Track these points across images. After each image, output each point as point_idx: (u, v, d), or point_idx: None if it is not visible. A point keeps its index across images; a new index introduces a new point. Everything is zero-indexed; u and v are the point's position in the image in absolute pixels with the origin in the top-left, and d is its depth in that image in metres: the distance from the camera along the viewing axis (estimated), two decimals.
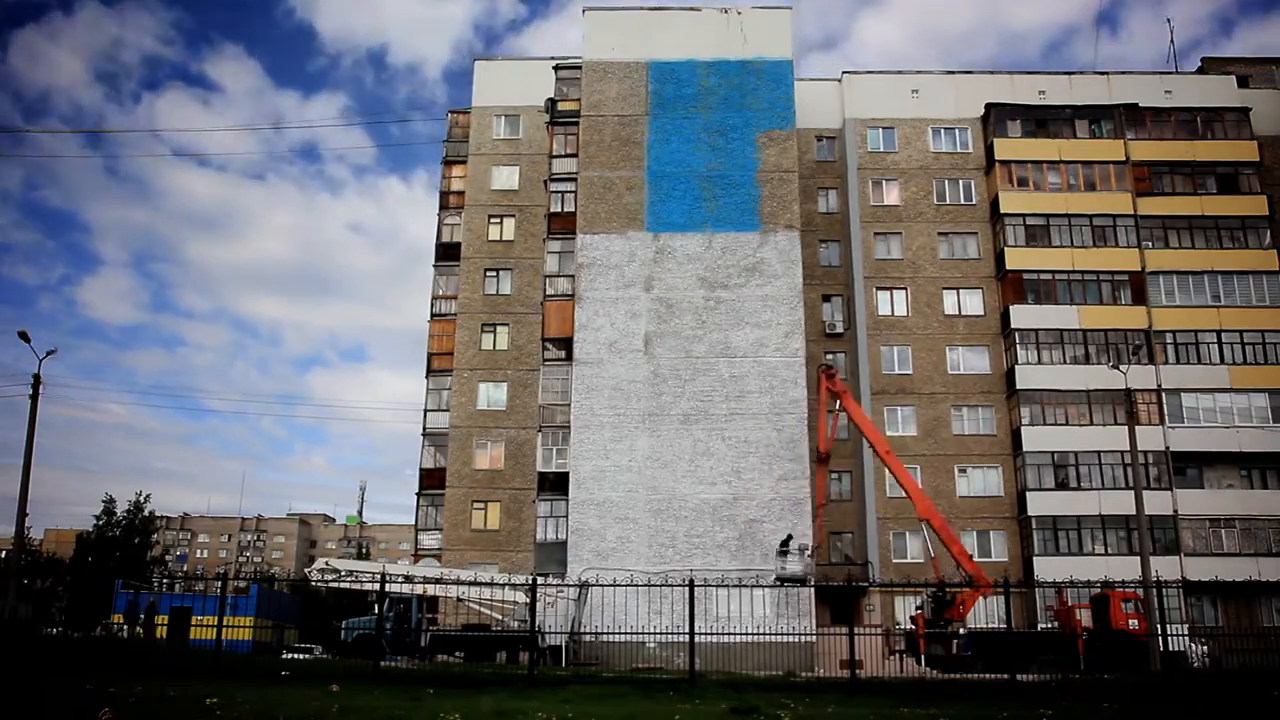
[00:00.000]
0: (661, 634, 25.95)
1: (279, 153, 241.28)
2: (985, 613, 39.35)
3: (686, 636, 19.63)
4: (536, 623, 22.36)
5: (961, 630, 34.38)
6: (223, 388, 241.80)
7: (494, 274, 47.01)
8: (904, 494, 43.51)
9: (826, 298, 46.57)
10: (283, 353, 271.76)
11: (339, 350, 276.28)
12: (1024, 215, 46.16)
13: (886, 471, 43.78)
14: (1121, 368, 39.13)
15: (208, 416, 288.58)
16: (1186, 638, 35.30)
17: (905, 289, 45.82)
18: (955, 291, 46.32)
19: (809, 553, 36.84)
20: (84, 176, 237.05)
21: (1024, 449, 43.24)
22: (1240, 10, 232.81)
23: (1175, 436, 43.42)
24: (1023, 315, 44.86)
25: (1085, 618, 34.33)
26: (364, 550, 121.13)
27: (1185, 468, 43.72)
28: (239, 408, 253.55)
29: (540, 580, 29.31)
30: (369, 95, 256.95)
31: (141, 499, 65.81)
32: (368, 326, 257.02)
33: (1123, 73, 49.53)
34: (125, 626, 32.92)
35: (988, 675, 25.33)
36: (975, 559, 37.43)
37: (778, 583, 35.71)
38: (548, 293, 43.91)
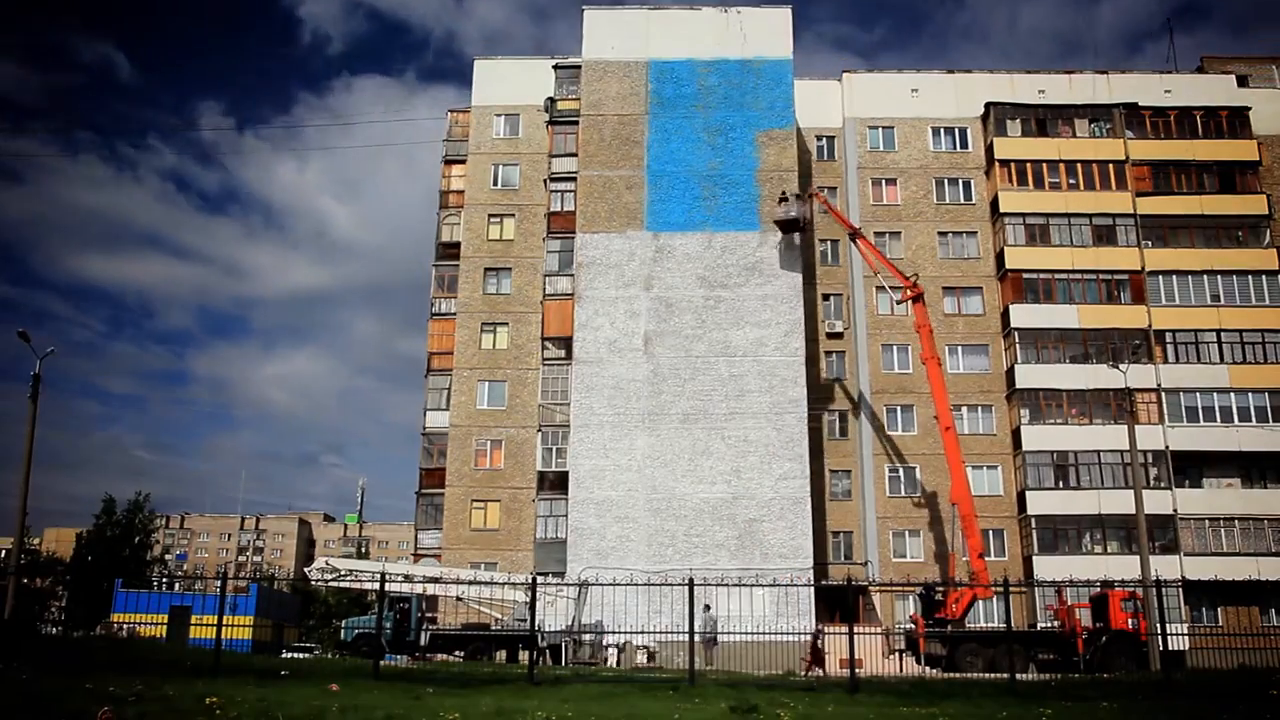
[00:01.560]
0: (661, 633, 25.97)
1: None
2: (985, 613, 39.40)
3: (686, 636, 19.60)
4: (536, 622, 22.33)
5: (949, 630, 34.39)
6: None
7: (493, 273, 46.99)
8: (904, 494, 43.72)
9: (826, 297, 46.55)
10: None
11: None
12: (1024, 215, 46.14)
13: (886, 471, 43.92)
14: (1121, 367, 39.12)
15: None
16: (1186, 636, 35.33)
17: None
18: (955, 291, 46.31)
19: (803, 198, 41.13)
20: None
21: (1024, 448, 43.23)
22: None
23: (1175, 436, 43.40)
24: (1022, 315, 44.85)
25: (1085, 617, 34.30)
26: (364, 550, 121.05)
27: (1185, 467, 43.70)
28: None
29: (539, 579, 29.29)
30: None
31: (141, 498, 65.85)
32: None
33: (1122, 72, 49.53)
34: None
35: (987, 674, 25.37)
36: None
37: (775, 225, 40.70)
38: (547, 292, 43.92)
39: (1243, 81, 49.62)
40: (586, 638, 33.33)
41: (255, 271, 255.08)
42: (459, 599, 37.52)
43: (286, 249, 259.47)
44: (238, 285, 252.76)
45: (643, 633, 28.38)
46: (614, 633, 28.34)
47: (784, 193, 42.02)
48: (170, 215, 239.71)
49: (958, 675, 25.97)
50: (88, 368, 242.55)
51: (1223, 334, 44.80)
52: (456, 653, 35.11)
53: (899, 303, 41.67)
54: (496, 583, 35.34)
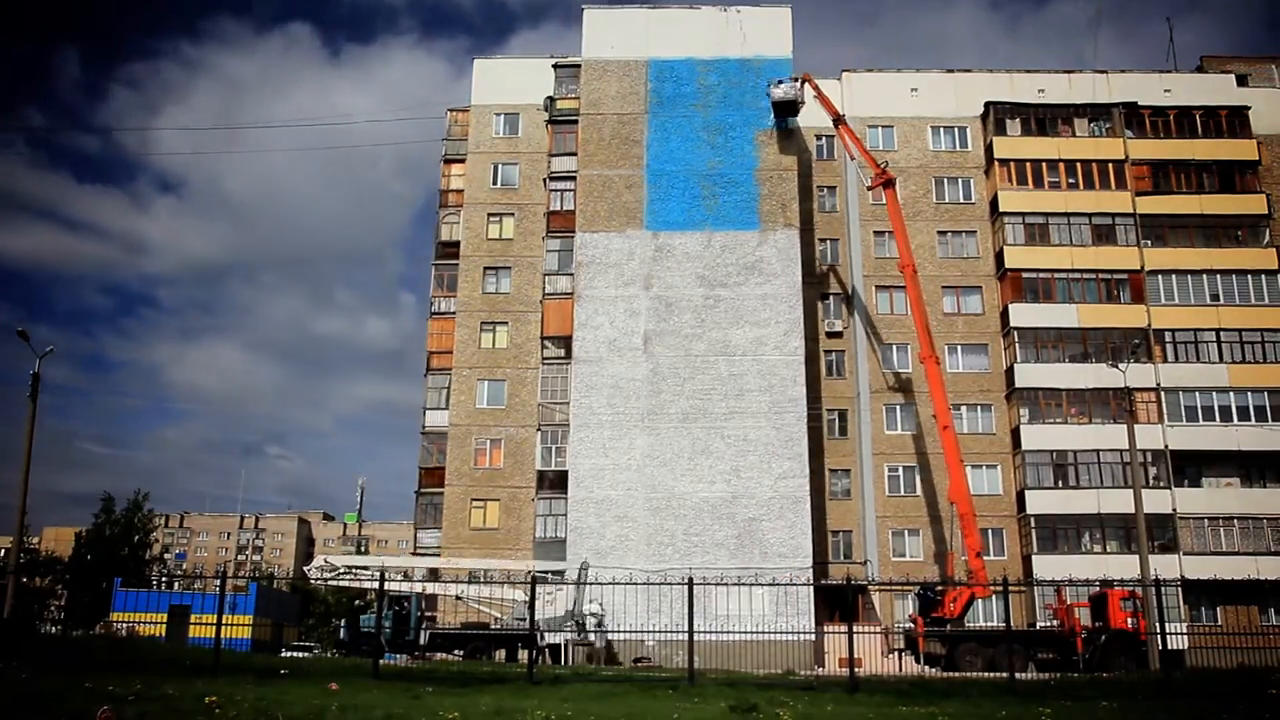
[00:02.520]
0: (661, 632, 25.97)
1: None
2: (985, 612, 39.42)
3: (685, 635, 19.60)
4: (535, 621, 22.34)
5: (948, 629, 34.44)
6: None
7: (493, 272, 46.96)
8: (903, 493, 43.72)
9: (825, 296, 46.53)
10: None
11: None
12: (1023, 214, 46.13)
13: (885, 470, 43.91)
14: (1121, 366, 39.12)
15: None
16: (1185, 636, 35.37)
17: (904, 288, 45.73)
18: (954, 290, 46.31)
19: (799, 84, 42.93)
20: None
21: (1023, 448, 43.23)
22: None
23: (1174, 435, 43.40)
24: (1022, 314, 44.84)
25: (1084, 616, 34.33)
26: (363, 548, 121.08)
27: (1184, 466, 43.70)
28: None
29: (539, 573, 29.29)
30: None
31: (140, 497, 65.84)
32: None
33: (1122, 71, 49.50)
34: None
35: (987, 674, 25.38)
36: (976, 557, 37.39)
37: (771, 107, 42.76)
38: (547, 291, 43.92)
39: (1242, 81, 49.61)
40: (591, 621, 33.29)
41: (154, 245, 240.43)
42: (458, 598, 37.55)
43: (186, 217, 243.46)
44: (138, 260, 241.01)
45: (642, 631, 28.42)
46: (613, 631, 28.32)
47: (777, 80, 43.48)
48: (52, 185, 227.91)
49: (957, 675, 25.98)
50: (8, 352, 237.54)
51: (1222, 333, 44.80)
52: (456, 652, 35.17)
53: (870, 188, 43.08)
54: (496, 568, 35.42)
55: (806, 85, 44.07)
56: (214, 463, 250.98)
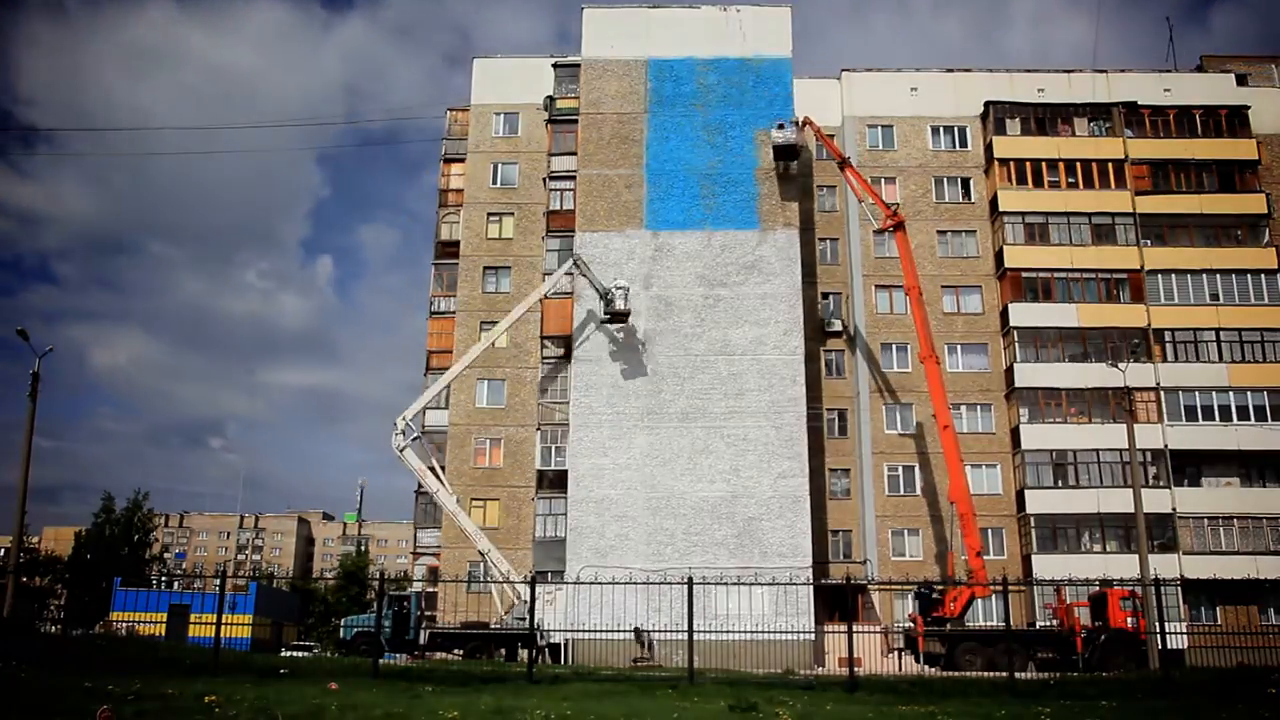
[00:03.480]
0: (660, 631, 26.00)
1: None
2: (984, 611, 39.42)
3: (685, 634, 19.60)
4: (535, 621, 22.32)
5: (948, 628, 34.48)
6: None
7: (492, 272, 46.96)
8: (903, 493, 43.73)
9: (825, 296, 46.53)
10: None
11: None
12: (1023, 213, 46.12)
13: (885, 470, 43.92)
14: (1120, 366, 39.11)
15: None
16: (1185, 635, 35.38)
17: (904, 288, 45.75)
18: (954, 290, 46.30)
19: (797, 125, 42.60)
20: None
21: (1023, 447, 43.22)
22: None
23: (1174, 435, 43.39)
24: (1022, 313, 44.84)
25: (1084, 616, 34.34)
26: (364, 548, 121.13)
27: (1184, 466, 43.69)
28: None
29: (539, 579, 29.27)
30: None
31: (140, 497, 65.92)
32: None
33: (1122, 71, 49.47)
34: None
35: (986, 673, 25.38)
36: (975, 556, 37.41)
37: (770, 152, 42.38)
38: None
39: (1242, 80, 49.58)
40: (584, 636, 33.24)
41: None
42: (483, 555, 37.54)
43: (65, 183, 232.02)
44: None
45: (641, 631, 28.45)
46: (613, 631, 28.28)
47: (778, 122, 42.83)
48: None
49: (957, 674, 25.98)
50: None
51: (1222, 333, 44.80)
52: (455, 651, 35.17)
53: (879, 231, 42.38)
54: (497, 580, 35.37)
55: (808, 128, 43.83)
56: (158, 456, 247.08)
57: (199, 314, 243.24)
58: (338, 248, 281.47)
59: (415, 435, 38.88)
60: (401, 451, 37.95)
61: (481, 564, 39.35)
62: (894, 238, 41.60)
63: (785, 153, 42.57)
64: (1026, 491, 42.75)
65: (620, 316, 40.61)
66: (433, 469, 38.94)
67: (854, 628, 19.45)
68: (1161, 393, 43.94)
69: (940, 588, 36.43)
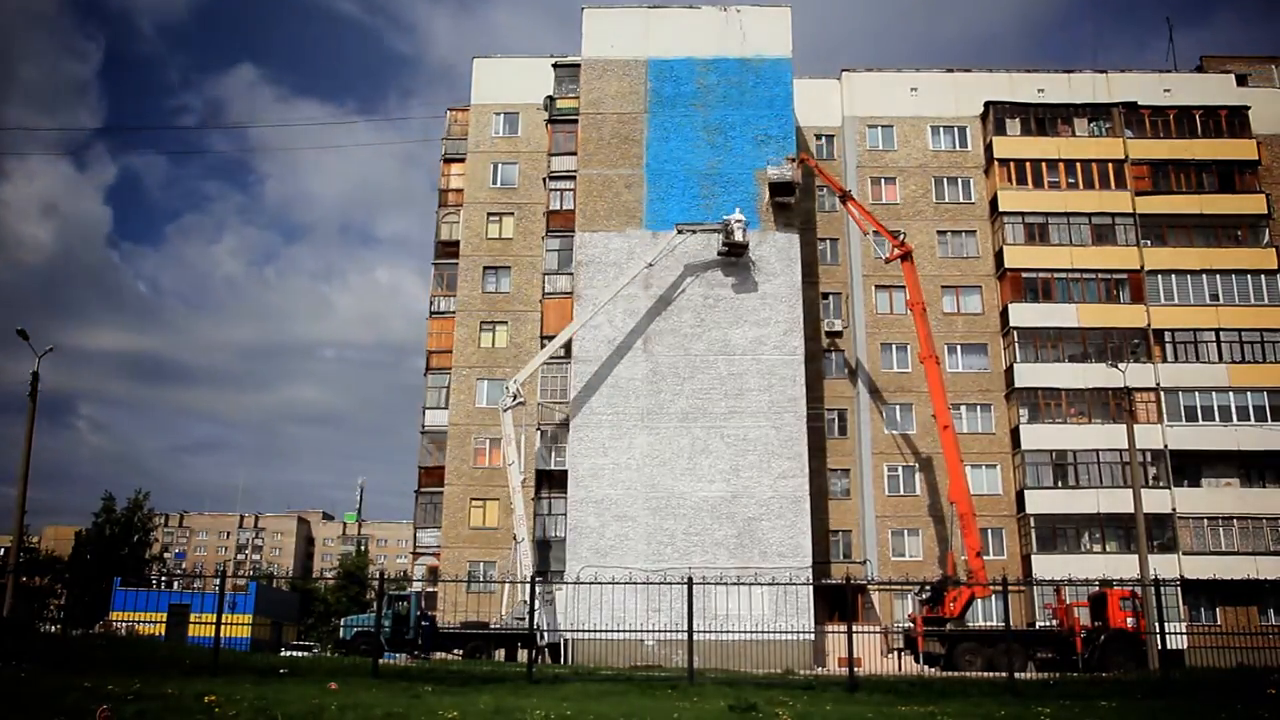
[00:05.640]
0: (660, 632, 25.99)
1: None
2: (984, 611, 39.42)
3: (685, 634, 19.59)
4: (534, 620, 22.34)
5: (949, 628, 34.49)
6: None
7: (493, 272, 46.96)
8: (903, 493, 43.74)
9: (825, 296, 46.53)
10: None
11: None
12: (1023, 214, 46.12)
13: (885, 470, 43.93)
14: (1120, 366, 39.12)
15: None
16: (1184, 635, 35.39)
17: (904, 287, 45.79)
18: (954, 290, 46.31)
19: (794, 161, 42.22)
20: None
21: (1023, 447, 43.22)
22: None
23: (1174, 435, 43.39)
24: (1022, 314, 44.84)
25: (1084, 616, 34.34)
26: (363, 548, 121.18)
27: (1183, 466, 43.69)
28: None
29: (539, 579, 29.29)
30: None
31: (140, 496, 65.89)
32: None
33: (1122, 71, 49.47)
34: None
35: (986, 674, 25.38)
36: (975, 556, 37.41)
37: (767, 189, 42.17)
38: (546, 291, 43.92)
39: (1242, 81, 49.60)
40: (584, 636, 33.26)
41: None
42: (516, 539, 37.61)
43: None
44: None
45: (641, 631, 28.43)
46: (613, 630, 28.30)
47: (774, 159, 42.63)
48: None
49: (956, 674, 25.99)
50: None
51: (1222, 333, 44.80)
52: (455, 651, 35.16)
53: (887, 261, 41.94)
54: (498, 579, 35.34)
55: (804, 163, 43.40)
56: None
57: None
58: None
59: (520, 401, 39.28)
60: (504, 411, 38.48)
61: (492, 563, 39.37)
62: (902, 268, 41.06)
63: (782, 189, 42.13)
64: (1026, 492, 42.75)
65: (738, 249, 41.17)
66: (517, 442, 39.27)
67: (854, 628, 19.44)
68: (1161, 393, 43.94)
69: (955, 584, 36.43)
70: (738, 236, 41.03)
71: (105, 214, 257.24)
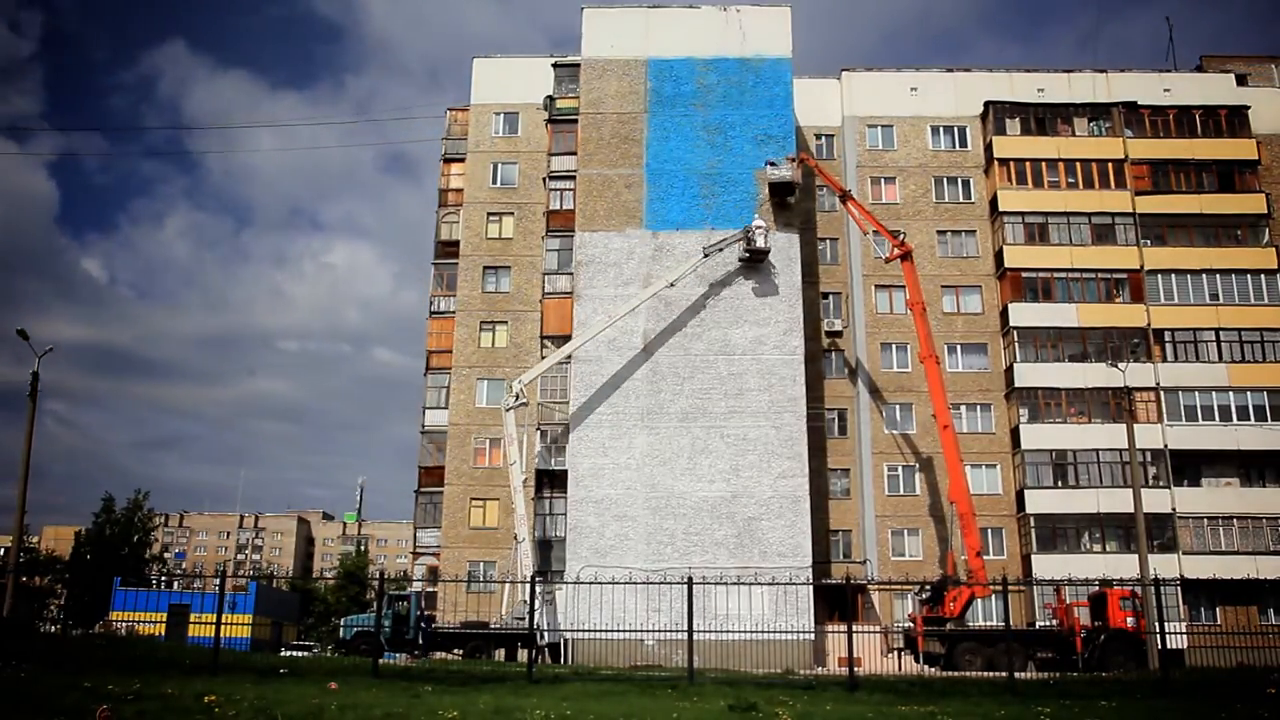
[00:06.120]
0: (660, 631, 25.99)
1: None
2: (984, 611, 39.42)
3: (685, 634, 19.59)
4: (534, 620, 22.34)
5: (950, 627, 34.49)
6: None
7: (492, 272, 46.95)
8: (903, 493, 43.74)
9: (825, 296, 46.52)
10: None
11: None
12: (1023, 213, 46.13)
13: (885, 470, 43.93)
14: (1120, 366, 39.11)
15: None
16: (1184, 635, 35.38)
17: (904, 287, 45.79)
18: (954, 290, 46.31)
19: (794, 161, 42.15)
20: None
21: (1023, 447, 43.22)
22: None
23: (1174, 435, 43.40)
24: (1022, 313, 44.84)
25: (1084, 616, 34.34)
26: (363, 548, 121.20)
27: (1183, 466, 43.70)
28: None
29: (539, 579, 29.28)
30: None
31: (140, 496, 65.89)
32: None
33: (1121, 70, 49.47)
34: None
35: (986, 673, 25.38)
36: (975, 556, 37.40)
37: (766, 189, 42.23)
38: (546, 290, 43.92)
39: (1242, 80, 49.59)
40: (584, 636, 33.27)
41: None
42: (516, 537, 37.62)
43: None
44: None
45: (641, 630, 28.42)
46: (612, 630, 28.30)
47: (773, 160, 42.48)
48: None
49: (956, 674, 25.99)
50: None
51: (1221, 333, 44.80)
52: (455, 651, 35.17)
53: (887, 261, 41.92)
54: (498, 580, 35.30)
55: (804, 163, 43.38)
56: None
57: None
58: None
59: (523, 402, 39.27)
60: (507, 411, 38.45)
61: (492, 563, 39.38)
62: (902, 267, 41.06)
63: (782, 189, 42.22)
64: (1026, 491, 42.75)
65: (760, 254, 41.29)
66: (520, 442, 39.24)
67: (854, 627, 19.44)
68: (1161, 393, 43.95)
69: (956, 584, 36.44)
70: (759, 242, 41.04)
71: (52, 196, 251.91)
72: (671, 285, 40.58)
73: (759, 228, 41.18)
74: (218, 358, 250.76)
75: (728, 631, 24.69)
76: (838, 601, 39.36)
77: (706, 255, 40.87)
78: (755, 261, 41.72)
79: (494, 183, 47.95)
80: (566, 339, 41.95)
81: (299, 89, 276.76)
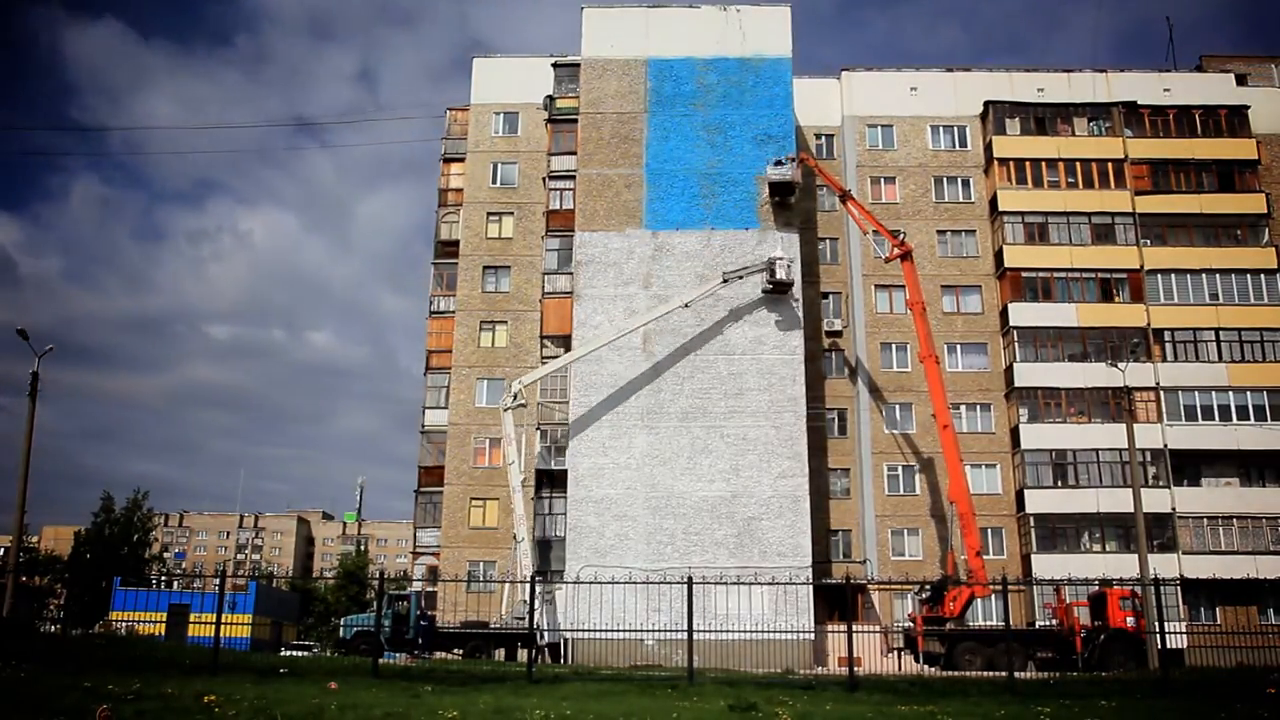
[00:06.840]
0: (660, 631, 25.99)
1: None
2: (984, 611, 39.43)
3: (685, 634, 19.59)
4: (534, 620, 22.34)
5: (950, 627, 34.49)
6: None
7: (492, 271, 46.95)
8: (903, 492, 43.74)
9: (825, 295, 46.52)
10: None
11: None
12: (1023, 213, 46.12)
13: (885, 470, 43.94)
14: (1120, 366, 39.10)
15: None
16: (1184, 635, 35.38)
17: (904, 287, 45.78)
18: (954, 289, 46.31)
19: (794, 161, 42.00)
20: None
21: (1023, 447, 43.22)
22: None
23: (1173, 434, 43.39)
24: (1021, 313, 44.84)
25: (1083, 616, 34.34)
26: (363, 548, 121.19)
27: (1183, 466, 43.69)
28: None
29: (539, 579, 29.30)
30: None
31: (140, 496, 65.89)
32: None
33: (1121, 70, 49.46)
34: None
35: (986, 673, 25.37)
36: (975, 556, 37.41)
37: (767, 189, 42.04)
38: (546, 290, 43.90)
39: (1242, 80, 49.58)
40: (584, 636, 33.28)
41: None
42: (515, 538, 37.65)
43: None
44: None
45: (641, 630, 28.42)
46: (612, 630, 28.31)
47: (775, 159, 42.25)
48: None
49: (956, 674, 25.98)
50: None
51: (1221, 333, 44.80)
52: (455, 650, 35.17)
53: (887, 260, 41.87)
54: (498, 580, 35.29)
55: (804, 163, 43.32)
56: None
57: None
58: None
59: (521, 403, 39.31)
60: (505, 411, 38.53)
61: (491, 563, 39.37)
62: (902, 267, 41.06)
63: (782, 189, 42.10)
64: (1026, 491, 42.75)
65: (782, 287, 40.84)
66: (517, 442, 39.23)
67: (854, 627, 19.45)
68: (1161, 393, 43.95)
69: (956, 584, 36.44)
70: (780, 275, 40.61)
71: None
72: (686, 305, 40.45)
73: (780, 260, 40.76)
74: (150, 341, 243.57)
75: (727, 631, 24.71)
76: (838, 601, 39.35)
77: (726, 281, 40.54)
78: (777, 294, 41.31)
79: (494, 182, 47.95)
80: (566, 339, 41.96)
81: (179, 41, 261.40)
